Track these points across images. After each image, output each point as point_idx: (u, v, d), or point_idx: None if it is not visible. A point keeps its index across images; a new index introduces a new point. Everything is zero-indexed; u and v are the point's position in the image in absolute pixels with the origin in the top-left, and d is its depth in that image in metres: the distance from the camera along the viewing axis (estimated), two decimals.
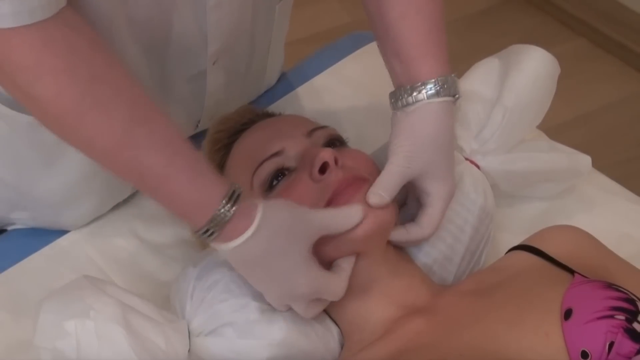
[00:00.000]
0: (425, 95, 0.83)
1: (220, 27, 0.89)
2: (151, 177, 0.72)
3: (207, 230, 0.73)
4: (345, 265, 0.81)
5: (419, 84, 0.83)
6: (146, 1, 0.81)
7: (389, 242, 0.87)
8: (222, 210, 0.72)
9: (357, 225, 0.79)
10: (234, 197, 0.73)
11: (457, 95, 0.85)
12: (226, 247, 0.74)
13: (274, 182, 0.85)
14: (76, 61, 0.67)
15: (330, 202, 0.81)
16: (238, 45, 0.97)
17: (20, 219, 1.01)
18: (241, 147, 0.92)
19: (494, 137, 0.98)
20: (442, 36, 0.86)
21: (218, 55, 0.93)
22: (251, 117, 0.98)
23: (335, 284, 0.79)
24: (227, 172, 0.92)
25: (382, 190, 0.81)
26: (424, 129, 0.83)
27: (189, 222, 0.75)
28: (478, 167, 0.99)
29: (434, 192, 0.85)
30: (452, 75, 0.85)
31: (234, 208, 0.72)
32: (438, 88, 0.83)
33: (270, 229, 0.74)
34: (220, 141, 0.95)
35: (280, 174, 0.85)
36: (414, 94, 0.83)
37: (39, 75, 0.66)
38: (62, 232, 1.02)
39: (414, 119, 0.84)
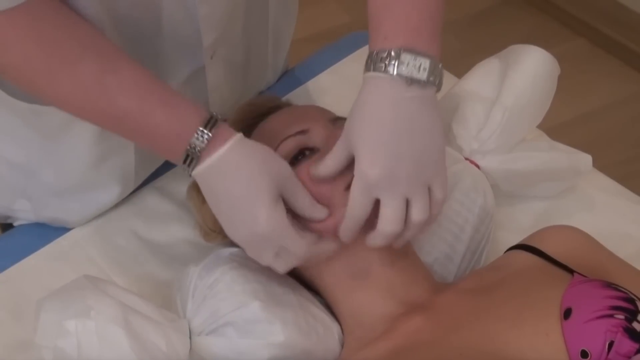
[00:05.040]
0: (367, 68, 0.77)
1: (212, 18, 0.89)
2: (130, 119, 0.76)
3: (187, 158, 0.75)
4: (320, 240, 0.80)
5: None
6: (130, 3, 0.82)
7: None
8: (200, 134, 0.75)
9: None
10: (211, 122, 0.75)
11: (409, 79, 0.74)
12: (197, 170, 0.76)
13: (299, 157, 0.85)
14: (40, 26, 0.72)
15: (349, 187, 0.79)
16: (233, 35, 0.97)
17: (23, 210, 1.01)
18: (266, 125, 0.93)
19: (493, 136, 0.98)
20: (414, 14, 0.77)
21: (215, 47, 0.93)
22: (278, 103, 1.00)
23: (297, 242, 0.77)
24: None
25: (326, 162, 0.79)
26: (357, 100, 0.78)
27: (173, 158, 0.77)
28: (478, 166, 0.99)
29: (356, 174, 0.77)
30: (394, 50, 0.74)
31: (211, 132, 0.75)
32: (370, 62, 0.76)
33: (242, 154, 0.76)
34: (247, 115, 0.96)
35: (301, 153, 0.86)
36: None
37: (6, 46, 0.72)
38: (62, 231, 1.02)
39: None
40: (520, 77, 0.99)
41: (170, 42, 0.89)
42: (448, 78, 1.15)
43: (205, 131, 0.75)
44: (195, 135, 0.74)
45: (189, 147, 0.75)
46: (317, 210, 0.80)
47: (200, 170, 0.76)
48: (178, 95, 0.78)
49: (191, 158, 0.75)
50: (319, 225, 0.80)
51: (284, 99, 1.08)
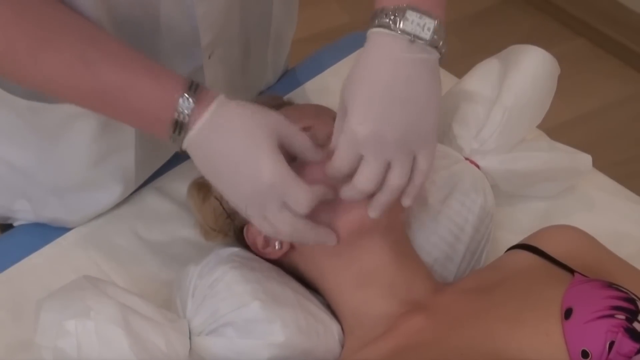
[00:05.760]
0: (371, 25, 0.76)
1: (209, 16, 0.88)
2: (114, 90, 0.76)
3: (175, 127, 0.74)
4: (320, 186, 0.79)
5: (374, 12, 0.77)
6: (128, 2, 0.82)
7: (398, 234, 0.87)
8: (185, 99, 0.74)
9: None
10: (193, 87, 0.75)
11: (412, 35, 0.73)
12: (190, 136, 0.75)
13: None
14: (21, 9, 0.73)
15: None
16: (231, 34, 0.97)
17: (23, 211, 1.01)
18: None
19: (493, 136, 0.98)
20: None
21: (213, 47, 0.93)
22: (279, 102, 1.00)
23: (302, 188, 0.75)
24: None
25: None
26: (358, 56, 0.77)
27: (161, 129, 0.76)
28: (478, 166, 0.99)
29: (344, 128, 0.76)
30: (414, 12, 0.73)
31: (195, 96, 0.74)
32: (374, 18, 0.75)
33: (231, 111, 0.75)
34: None
35: None
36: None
37: None
38: (62, 231, 1.02)
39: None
40: (520, 77, 0.99)
41: (168, 41, 0.89)
42: (448, 78, 1.16)
43: (190, 97, 0.74)
44: (181, 100, 0.74)
45: (176, 113, 0.74)
46: (316, 151, 0.79)
47: (192, 135, 0.75)
48: (159, 65, 0.78)
49: (179, 126, 0.75)
50: (316, 171, 0.79)
51: (284, 99, 1.08)
